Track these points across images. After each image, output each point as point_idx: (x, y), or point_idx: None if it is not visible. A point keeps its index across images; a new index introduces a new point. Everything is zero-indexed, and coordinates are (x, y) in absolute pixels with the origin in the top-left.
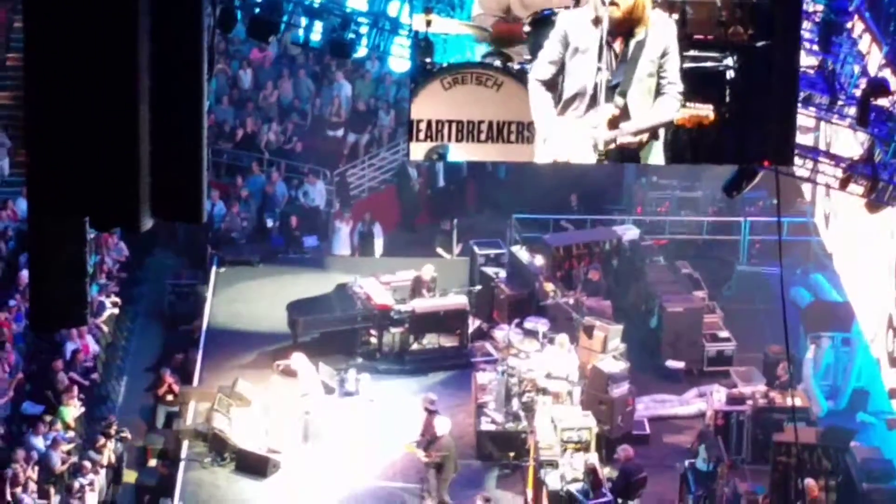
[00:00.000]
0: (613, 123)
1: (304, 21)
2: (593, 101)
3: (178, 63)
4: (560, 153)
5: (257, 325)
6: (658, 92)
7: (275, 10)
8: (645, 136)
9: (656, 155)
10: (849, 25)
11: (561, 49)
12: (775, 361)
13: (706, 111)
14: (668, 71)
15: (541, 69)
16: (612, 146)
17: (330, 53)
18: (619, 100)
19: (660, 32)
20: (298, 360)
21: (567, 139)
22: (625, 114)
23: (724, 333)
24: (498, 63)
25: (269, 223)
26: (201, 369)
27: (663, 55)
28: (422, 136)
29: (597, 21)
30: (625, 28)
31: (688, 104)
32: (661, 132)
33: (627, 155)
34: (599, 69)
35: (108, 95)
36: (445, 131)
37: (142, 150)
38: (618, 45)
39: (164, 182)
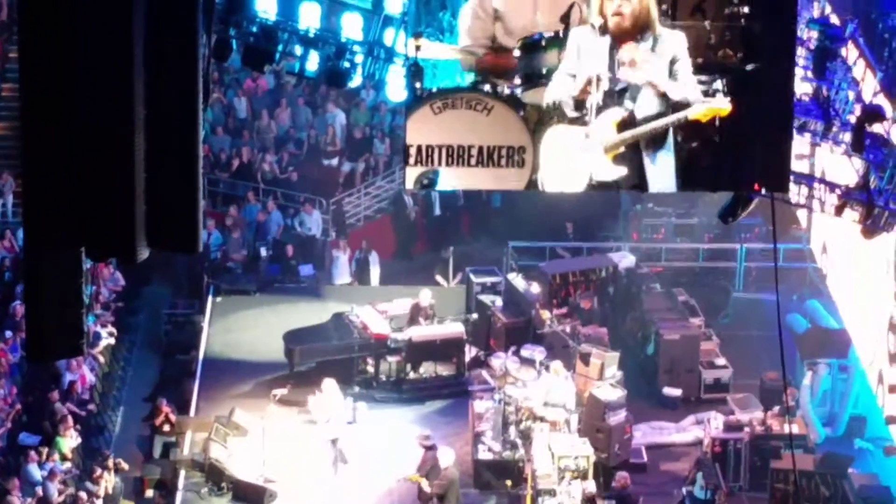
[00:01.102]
0: (622, 126)
1: (299, 50)
2: (601, 107)
3: (174, 93)
4: (557, 181)
5: (254, 355)
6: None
7: (270, 39)
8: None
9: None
10: (843, 52)
11: (577, 61)
12: (772, 388)
13: (723, 103)
14: (680, 76)
15: (561, 86)
16: (621, 149)
17: (325, 82)
18: (628, 103)
19: (668, 40)
20: (329, 386)
21: (564, 167)
22: (633, 118)
23: (721, 360)
24: (488, 88)
25: (262, 252)
26: (198, 399)
27: (673, 62)
28: (412, 160)
29: (604, 29)
30: (633, 35)
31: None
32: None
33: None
34: (600, 78)
35: (104, 126)
36: (436, 156)
37: (137, 180)
38: (627, 52)
39: (160, 212)
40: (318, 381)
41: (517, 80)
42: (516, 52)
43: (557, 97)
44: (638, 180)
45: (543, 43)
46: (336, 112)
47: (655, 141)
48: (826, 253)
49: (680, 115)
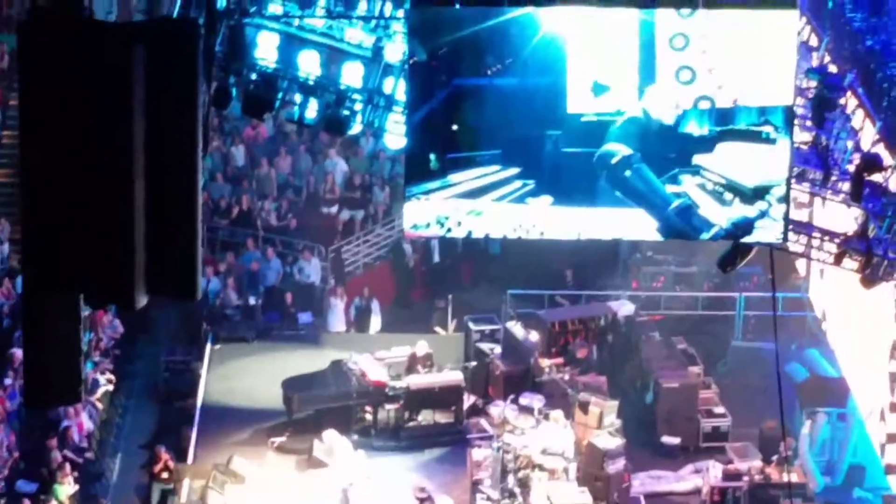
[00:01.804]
0: None
1: (298, 98)
2: None
3: (173, 140)
4: None
5: (252, 402)
6: None
7: (270, 86)
8: None
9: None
10: (842, 101)
11: None
12: (771, 437)
13: None
14: None
15: None
16: None
17: (325, 130)
18: None
19: None
20: (332, 436)
21: None
22: None
23: (720, 409)
24: None
25: (252, 301)
26: (196, 446)
27: None
28: None
29: None
30: None
31: None
32: None
33: None
34: None
35: (103, 172)
36: None
37: (136, 227)
38: None
39: (159, 259)
40: (316, 429)
41: None
42: None
43: None
44: None
45: None
46: (336, 160)
47: None
48: (825, 302)
49: None
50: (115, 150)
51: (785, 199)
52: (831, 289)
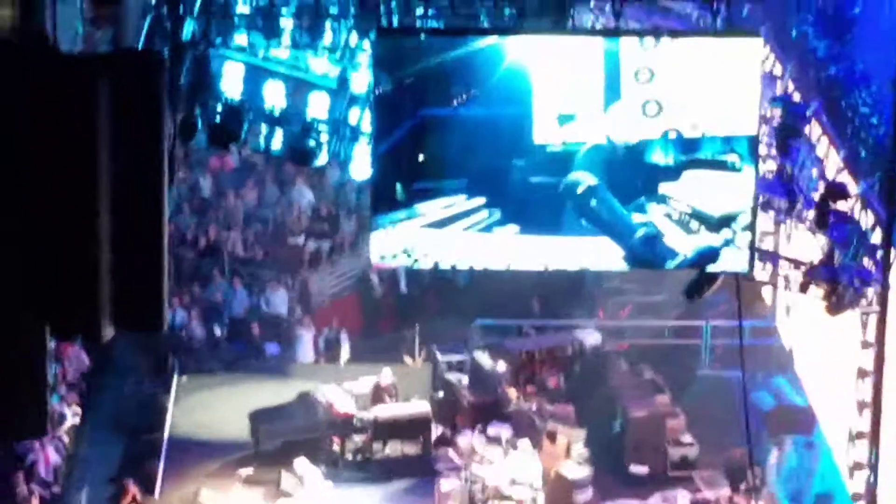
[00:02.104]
0: None
1: (264, 129)
2: None
3: (139, 172)
4: None
5: (219, 434)
6: None
7: (235, 118)
8: None
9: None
10: (806, 129)
11: None
12: (738, 466)
13: None
14: None
15: None
16: None
17: (291, 161)
18: None
19: None
20: (302, 464)
21: None
22: None
23: (688, 438)
24: None
25: (218, 332)
26: (163, 479)
27: None
28: None
29: None
30: None
31: None
32: None
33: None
34: None
35: (69, 204)
36: None
37: (102, 259)
38: None
39: (125, 291)
40: (284, 461)
41: None
42: None
43: None
44: None
45: None
46: (302, 189)
47: None
48: (791, 330)
49: None
50: (80, 183)
51: (750, 227)
52: (798, 317)
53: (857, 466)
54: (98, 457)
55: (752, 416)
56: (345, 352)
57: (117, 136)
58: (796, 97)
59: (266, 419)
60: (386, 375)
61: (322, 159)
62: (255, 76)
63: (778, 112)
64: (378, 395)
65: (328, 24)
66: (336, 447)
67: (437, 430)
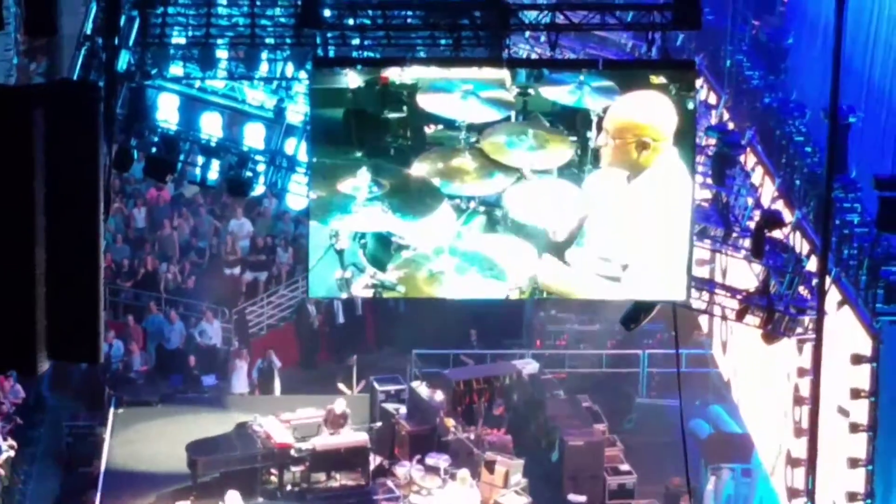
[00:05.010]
0: None
1: (200, 159)
2: None
3: (74, 203)
4: None
5: (157, 466)
6: None
7: (171, 149)
8: None
9: None
10: (742, 158)
11: None
12: (676, 494)
13: None
14: None
15: None
16: None
17: (227, 191)
18: None
19: None
20: (232, 497)
21: None
22: None
23: (625, 466)
24: None
25: (155, 364)
26: None
27: None
28: None
29: None
30: None
31: None
32: None
33: None
34: None
35: (3, 237)
36: None
37: (37, 291)
38: None
39: (61, 323)
40: (221, 493)
41: None
42: None
43: None
44: None
45: None
46: (239, 220)
47: None
48: (727, 358)
49: None
50: (14, 214)
51: (686, 256)
52: (734, 345)
53: (794, 493)
54: (34, 490)
55: (689, 443)
56: (277, 384)
57: (52, 167)
58: (731, 126)
59: (203, 451)
60: (340, 404)
61: (259, 190)
62: (191, 107)
63: (713, 140)
64: (334, 421)
65: (264, 54)
66: (274, 478)
67: (375, 461)
